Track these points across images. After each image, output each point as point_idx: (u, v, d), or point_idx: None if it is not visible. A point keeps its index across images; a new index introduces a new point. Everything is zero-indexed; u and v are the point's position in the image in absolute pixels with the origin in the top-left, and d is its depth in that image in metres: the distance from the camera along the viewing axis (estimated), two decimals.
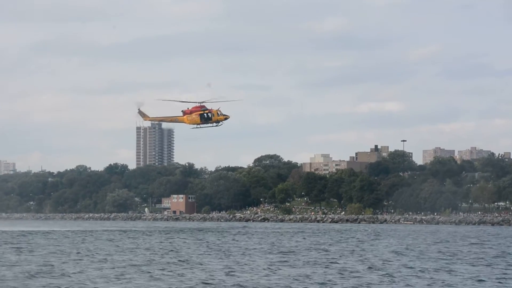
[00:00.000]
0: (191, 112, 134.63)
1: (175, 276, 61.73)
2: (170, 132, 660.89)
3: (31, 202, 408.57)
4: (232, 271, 65.33)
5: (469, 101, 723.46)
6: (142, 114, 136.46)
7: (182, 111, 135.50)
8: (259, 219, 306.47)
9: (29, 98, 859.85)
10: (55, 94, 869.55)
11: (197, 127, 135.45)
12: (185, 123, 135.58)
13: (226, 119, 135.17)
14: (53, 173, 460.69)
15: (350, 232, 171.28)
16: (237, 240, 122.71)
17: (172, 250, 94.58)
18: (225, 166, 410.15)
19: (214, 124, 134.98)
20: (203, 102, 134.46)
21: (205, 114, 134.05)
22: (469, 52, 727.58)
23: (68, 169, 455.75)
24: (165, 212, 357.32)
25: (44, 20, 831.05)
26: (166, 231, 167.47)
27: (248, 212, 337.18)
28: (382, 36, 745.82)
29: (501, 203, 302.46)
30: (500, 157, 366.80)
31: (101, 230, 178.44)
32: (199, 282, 57.48)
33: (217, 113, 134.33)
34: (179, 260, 77.63)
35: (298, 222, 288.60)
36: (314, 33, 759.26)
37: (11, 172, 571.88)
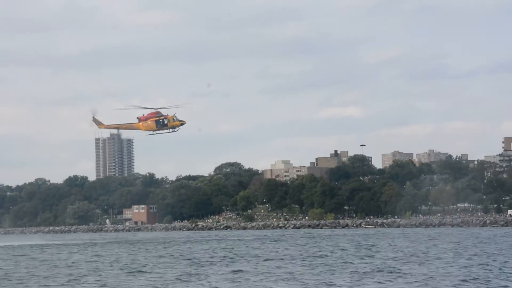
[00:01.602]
0: (146, 119, 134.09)
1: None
2: (130, 142, 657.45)
3: None
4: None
5: (427, 103, 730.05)
6: (96, 122, 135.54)
7: (137, 117, 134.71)
8: (222, 227, 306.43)
9: None
10: (13, 106, 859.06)
11: (153, 133, 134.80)
12: (141, 129, 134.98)
13: (182, 124, 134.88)
14: (11, 187, 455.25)
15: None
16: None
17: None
18: (186, 175, 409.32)
19: (170, 130, 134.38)
20: (158, 108, 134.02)
21: (160, 120, 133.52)
22: (429, 54, 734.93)
23: (27, 183, 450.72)
24: (127, 223, 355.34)
25: (2, 31, 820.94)
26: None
27: (210, 220, 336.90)
28: (342, 40, 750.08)
29: (460, 205, 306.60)
30: (457, 159, 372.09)
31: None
32: None
33: (173, 119, 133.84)
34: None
35: (261, 229, 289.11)
36: (274, 38, 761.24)
37: None
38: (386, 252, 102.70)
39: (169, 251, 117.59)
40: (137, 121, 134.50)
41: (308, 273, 70.72)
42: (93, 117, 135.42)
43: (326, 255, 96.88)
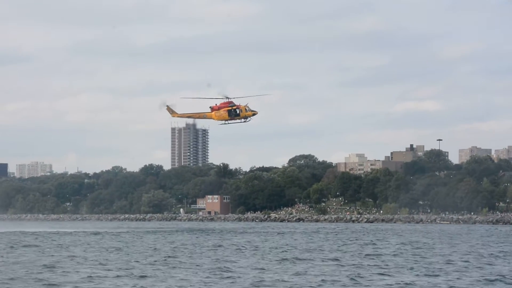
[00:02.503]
0: (219, 108, 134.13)
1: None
2: (205, 132, 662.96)
3: (68, 203, 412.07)
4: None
5: (507, 99, 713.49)
6: (170, 110, 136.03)
7: (210, 107, 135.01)
8: (294, 219, 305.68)
9: (67, 98, 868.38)
10: (92, 96, 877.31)
11: (225, 123, 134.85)
12: (213, 119, 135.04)
13: (254, 114, 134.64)
14: (89, 174, 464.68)
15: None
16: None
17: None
18: (260, 167, 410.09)
19: (242, 120, 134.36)
20: (231, 98, 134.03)
21: (233, 110, 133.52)
22: (508, 50, 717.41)
23: (104, 170, 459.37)
24: (200, 213, 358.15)
25: (82, 22, 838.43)
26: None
27: (283, 212, 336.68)
28: (419, 34, 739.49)
29: None
30: None
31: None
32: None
33: (245, 109, 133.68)
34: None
35: (334, 222, 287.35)
36: (351, 32, 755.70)
37: (48, 174, 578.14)
38: None
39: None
40: (209, 110, 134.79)
41: None
42: (167, 105, 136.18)
43: None
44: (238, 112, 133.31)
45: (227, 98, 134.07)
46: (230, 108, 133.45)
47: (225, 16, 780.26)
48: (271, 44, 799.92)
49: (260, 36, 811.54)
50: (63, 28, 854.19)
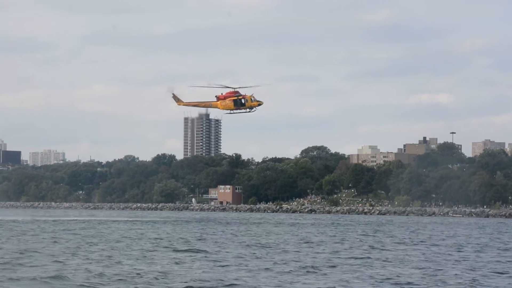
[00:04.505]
0: (224, 98, 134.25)
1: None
2: (218, 122, 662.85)
3: (80, 192, 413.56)
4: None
5: None
6: (176, 98, 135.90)
7: (215, 96, 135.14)
8: (306, 210, 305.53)
9: (81, 87, 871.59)
10: (106, 84, 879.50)
11: (230, 113, 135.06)
12: (219, 108, 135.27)
13: (259, 105, 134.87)
14: (102, 163, 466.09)
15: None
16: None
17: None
18: (272, 157, 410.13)
19: (248, 110, 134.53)
20: (237, 87, 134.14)
21: (238, 100, 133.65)
22: None
23: (117, 159, 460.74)
24: (212, 203, 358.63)
25: (96, 11, 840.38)
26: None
27: (295, 203, 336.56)
28: (434, 27, 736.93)
29: None
30: None
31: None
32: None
33: (251, 99, 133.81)
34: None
35: (346, 214, 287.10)
36: (366, 24, 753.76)
37: (61, 162, 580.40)
38: None
39: None
40: (215, 99, 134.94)
41: None
42: (173, 93, 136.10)
43: None
44: (244, 102, 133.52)
45: (233, 88, 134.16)
46: (236, 97, 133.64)
47: (239, 7, 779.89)
48: (285, 35, 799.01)
49: (274, 28, 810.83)
50: (78, 16, 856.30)
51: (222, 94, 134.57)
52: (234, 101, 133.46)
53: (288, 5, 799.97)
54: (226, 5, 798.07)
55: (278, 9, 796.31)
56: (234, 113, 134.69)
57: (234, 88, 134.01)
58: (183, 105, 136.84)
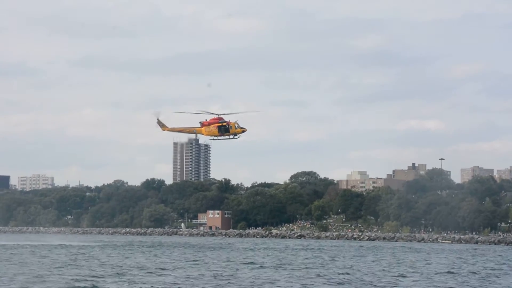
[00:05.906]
0: (209, 124, 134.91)
1: None
2: (207, 147, 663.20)
3: (69, 216, 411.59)
4: None
5: (510, 120, 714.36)
6: (160, 124, 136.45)
7: (200, 122, 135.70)
8: (295, 235, 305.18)
9: (71, 112, 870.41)
10: (96, 109, 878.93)
11: (214, 139, 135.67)
12: (203, 134, 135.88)
13: (243, 131, 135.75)
14: (90, 187, 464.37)
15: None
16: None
17: None
18: (261, 182, 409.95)
19: (232, 136, 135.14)
20: (221, 114, 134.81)
21: (223, 127, 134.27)
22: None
23: (106, 184, 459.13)
24: (201, 228, 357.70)
25: (87, 35, 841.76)
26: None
27: (284, 228, 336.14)
28: (424, 53, 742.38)
29: None
30: None
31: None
32: None
33: (235, 126, 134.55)
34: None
35: (335, 239, 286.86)
36: (356, 50, 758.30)
37: (50, 186, 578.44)
38: None
39: None
40: (199, 125, 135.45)
41: None
42: (158, 119, 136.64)
43: None
44: (228, 128, 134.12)
45: (217, 114, 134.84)
46: (220, 124, 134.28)
47: (231, 33, 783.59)
48: (275, 60, 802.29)
49: (265, 53, 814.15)
50: (68, 41, 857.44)
51: (206, 120, 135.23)
52: (218, 127, 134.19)
53: (280, 31, 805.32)
54: (217, 31, 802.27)
55: (269, 35, 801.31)
56: (218, 139, 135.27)
57: (219, 115, 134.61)
58: (168, 130, 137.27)
